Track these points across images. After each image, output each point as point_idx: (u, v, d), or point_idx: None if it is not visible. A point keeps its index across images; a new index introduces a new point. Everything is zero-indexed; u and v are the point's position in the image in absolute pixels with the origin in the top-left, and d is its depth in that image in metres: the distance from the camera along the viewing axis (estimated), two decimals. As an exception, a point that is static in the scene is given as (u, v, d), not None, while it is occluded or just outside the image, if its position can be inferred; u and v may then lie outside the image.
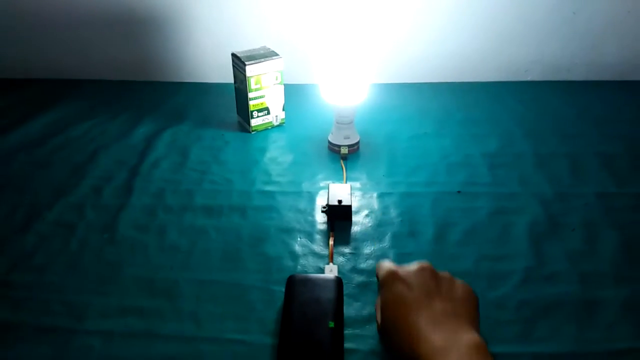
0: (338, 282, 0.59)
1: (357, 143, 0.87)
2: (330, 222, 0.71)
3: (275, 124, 0.95)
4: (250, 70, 0.86)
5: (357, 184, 0.79)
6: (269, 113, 0.93)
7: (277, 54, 0.89)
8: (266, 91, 0.90)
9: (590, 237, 0.68)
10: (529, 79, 1.10)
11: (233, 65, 0.90)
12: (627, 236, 0.68)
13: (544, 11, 1.03)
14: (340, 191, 0.73)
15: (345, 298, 0.60)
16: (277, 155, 0.87)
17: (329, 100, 0.82)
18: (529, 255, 0.65)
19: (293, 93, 0.97)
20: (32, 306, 0.60)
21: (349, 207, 0.71)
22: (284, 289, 0.59)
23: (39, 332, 0.57)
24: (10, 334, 0.57)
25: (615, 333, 0.55)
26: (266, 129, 0.94)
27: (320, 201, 0.76)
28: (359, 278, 0.63)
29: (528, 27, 1.05)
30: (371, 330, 0.57)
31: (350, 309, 0.59)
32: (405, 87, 1.08)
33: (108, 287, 0.62)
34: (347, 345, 0.55)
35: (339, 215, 0.71)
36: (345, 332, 0.56)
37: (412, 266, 0.51)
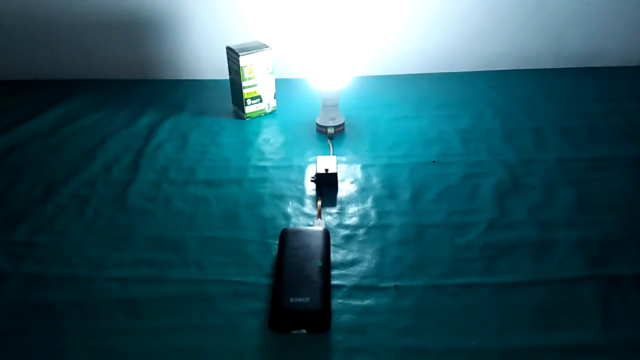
0: (325, 232, 0.68)
1: (343, 124, 0.95)
2: (318, 188, 0.79)
3: (268, 111, 1.03)
4: (244, 60, 0.96)
5: (343, 158, 0.88)
6: (261, 101, 1.02)
7: (267, 46, 0.98)
8: (258, 80, 0.99)
9: (549, 194, 0.77)
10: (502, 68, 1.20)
11: (228, 58, 1.00)
12: (581, 191, 0.77)
13: (510, 6, 1.13)
14: (327, 162, 0.81)
15: (332, 247, 0.68)
16: (269, 137, 0.96)
17: (315, 85, 0.91)
18: (494, 209, 0.74)
19: (284, 86, 1.05)
20: (55, 261, 0.68)
21: (335, 174, 0.79)
22: (277, 242, 0.67)
23: (63, 280, 0.65)
24: (38, 282, 0.64)
25: (567, 265, 0.64)
26: (259, 116, 1.03)
27: (310, 173, 0.84)
28: (344, 232, 0.71)
29: (497, 22, 1.15)
30: (354, 270, 0.65)
31: (337, 255, 0.67)
32: (388, 78, 1.17)
33: (122, 244, 0.70)
34: (334, 282, 0.63)
35: (326, 182, 0.80)
36: (333, 272, 0.64)
37: None
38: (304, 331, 0.56)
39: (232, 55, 0.97)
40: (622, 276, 0.62)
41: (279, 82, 1.01)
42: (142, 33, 1.16)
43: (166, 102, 1.10)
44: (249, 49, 0.97)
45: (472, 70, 1.19)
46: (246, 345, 0.56)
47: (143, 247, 0.70)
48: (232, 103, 1.06)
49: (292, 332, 0.57)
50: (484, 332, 0.56)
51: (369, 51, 1.16)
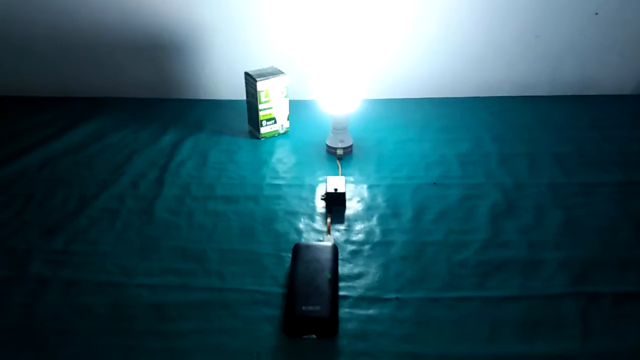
0: (334, 247, 0.75)
1: (351, 146, 1.03)
2: (328, 206, 0.87)
3: (281, 132, 1.11)
4: (261, 85, 1.04)
5: (351, 178, 0.95)
6: (275, 122, 1.09)
7: (282, 72, 1.06)
8: (273, 103, 1.07)
9: (539, 216, 0.84)
10: (501, 95, 1.27)
11: (246, 82, 1.08)
12: (569, 215, 0.83)
13: (510, 36, 1.20)
14: (336, 182, 0.89)
15: (340, 261, 0.75)
16: (282, 157, 1.03)
17: (326, 109, 0.99)
18: (488, 229, 0.81)
19: (297, 107, 1.13)
20: (90, 268, 0.75)
21: (343, 194, 0.87)
22: (291, 255, 0.75)
23: (98, 285, 0.72)
24: (75, 287, 0.72)
25: (552, 282, 0.71)
26: (273, 136, 1.11)
27: (320, 192, 0.92)
28: (351, 247, 0.79)
29: (498, 50, 1.22)
30: (360, 283, 0.72)
31: (344, 269, 0.74)
32: (393, 102, 1.25)
33: (150, 254, 0.78)
34: (342, 292, 0.70)
35: (335, 200, 0.87)
36: (340, 284, 0.71)
37: None
38: (314, 336, 0.63)
39: (250, 80, 1.05)
40: (601, 293, 0.68)
41: (293, 104, 1.09)
42: (166, 55, 1.24)
43: (186, 121, 1.18)
44: (266, 74, 1.05)
45: (473, 95, 1.27)
46: (262, 348, 0.63)
47: (169, 257, 0.77)
48: (248, 123, 1.14)
49: (303, 336, 0.64)
50: (474, 341, 0.63)
51: (376, 75, 1.24)
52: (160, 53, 1.24)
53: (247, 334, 0.65)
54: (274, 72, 1.06)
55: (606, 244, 0.77)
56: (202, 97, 1.30)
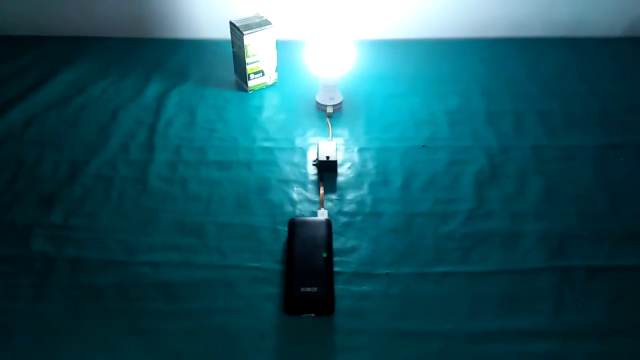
0: (328, 223, 0.78)
1: (341, 102, 1.03)
2: (320, 174, 0.89)
3: (269, 83, 1.09)
4: (248, 39, 1.00)
5: (341, 140, 0.96)
6: (263, 75, 1.07)
7: (270, 23, 1.02)
8: (261, 56, 1.04)
9: (521, 183, 0.88)
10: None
11: (231, 31, 1.03)
12: (549, 182, 0.88)
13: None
14: (328, 148, 0.90)
15: (334, 235, 0.79)
16: (272, 114, 1.03)
17: (316, 72, 0.97)
18: (473, 199, 0.85)
19: (285, 49, 1.09)
20: (92, 245, 0.78)
21: (335, 162, 0.89)
22: (287, 229, 0.78)
23: (102, 264, 0.75)
24: (80, 266, 0.75)
25: (530, 256, 0.76)
26: (261, 88, 1.09)
27: (311, 155, 0.93)
28: (343, 219, 0.82)
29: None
30: (353, 257, 0.76)
31: (337, 243, 0.78)
32: (383, 44, 1.22)
33: (150, 228, 0.80)
34: (336, 268, 0.74)
35: (327, 168, 0.89)
36: (334, 259, 0.76)
37: None
38: (313, 315, 0.69)
39: (236, 32, 1.01)
40: (574, 267, 0.75)
41: (280, 45, 1.05)
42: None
43: (169, 68, 1.15)
44: (252, 26, 1.01)
45: (465, 36, 1.25)
46: (265, 326, 0.68)
47: (169, 232, 0.80)
48: (235, 73, 1.11)
49: (302, 315, 0.69)
50: (457, 317, 0.69)
51: (367, 15, 1.20)
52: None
53: (250, 313, 0.70)
54: (262, 23, 1.02)
55: (582, 215, 0.82)
56: (183, 36, 1.24)
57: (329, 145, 0.91)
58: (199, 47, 1.22)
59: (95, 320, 0.69)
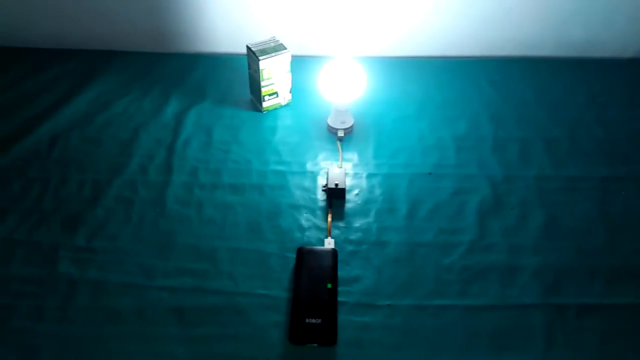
0: (334, 253, 0.83)
1: (352, 126, 1.06)
2: (328, 200, 0.93)
3: (283, 104, 1.13)
4: (264, 63, 1.03)
5: (350, 165, 1.00)
6: (277, 96, 1.11)
7: (285, 48, 1.05)
8: (276, 79, 1.08)
9: (523, 215, 0.91)
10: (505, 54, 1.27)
11: (247, 55, 1.07)
12: (549, 214, 0.91)
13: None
14: (337, 175, 0.94)
15: (339, 263, 0.83)
16: (285, 136, 1.07)
17: (328, 98, 1.01)
18: (475, 230, 0.88)
19: (298, 66, 1.11)
20: (112, 268, 0.83)
21: (344, 189, 0.92)
22: (295, 256, 0.83)
23: (122, 287, 0.81)
24: (102, 288, 0.81)
25: (526, 292, 0.80)
26: (275, 109, 1.13)
27: (321, 180, 0.97)
28: (349, 247, 0.86)
29: (505, 8, 1.19)
30: (356, 287, 0.81)
31: (342, 272, 0.82)
32: (393, 62, 1.24)
33: (166, 252, 0.86)
34: (340, 298, 0.79)
35: (336, 195, 0.93)
36: (339, 288, 0.80)
37: None
38: (316, 345, 0.74)
39: (252, 56, 1.05)
40: (567, 305, 0.78)
41: (295, 61, 1.08)
42: (162, 3, 1.20)
43: (187, 85, 1.19)
44: (268, 50, 1.04)
45: (476, 55, 1.26)
46: (272, 354, 0.73)
47: (184, 256, 0.85)
48: (250, 93, 1.15)
49: (307, 344, 0.74)
50: (451, 351, 0.74)
51: (377, 32, 1.23)
52: (157, 2, 1.20)
53: (257, 340, 0.75)
54: (277, 48, 1.05)
55: (579, 250, 0.85)
56: (202, 51, 1.28)
57: (338, 172, 0.95)
58: (217, 63, 1.26)
59: (115, 344, 0.74)
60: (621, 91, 1.16)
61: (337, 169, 0.96)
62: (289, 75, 1.09)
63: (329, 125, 1.07)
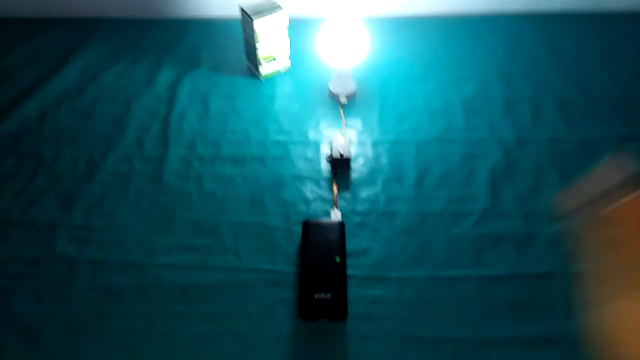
0: (341, 225, 0.79)
1: (354, 91, 1.01)
2: (333, 170, 0.89)
3: (282, 71, 1.08)
4: (258, 25, 0.98)
5: (354, 132, 0.96)
6: (275, 61, 1.05)
7: (280, 7, 0.99)
8: (273, 42, 1.02)
9: (537, 181, 0.87)
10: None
11: (241, 17, 1.01)
12: (565, 179, 0.87)
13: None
14: (341, 145, 0.90)
15: (347, 236, 0.80)
16: (285, 104, 1.02)
17: (328, 63, 0.95)
18: (487, 197, 0.85)
19: (298, 29, 1.06)
20: (112, 245, 0.80)
21: (349, 159, 0.88)
22: (300, 229, 0.79)
23: (123, 266, 0.78)
24: (101, 268, 0.78)
25: (542, 260, 0.77)
26: (274, 75, 1.07)
27: (324, 149, 0.93)
28: (356, 218, 0.83)
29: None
30: (365, 260, 0.78)
31: (350, 244, 0.79)
32: (399, 23, 1.18)
33: (167, 228, 0.82)
34: (349, 271, 0.76)
35: (340, 165, 0.89)
36: (347, 261, 0.77)
37: None
38: (327, 319, 0.71)
39: (246, 18, 0.99)
40: (584, 273, 0.75)
41: (292, 23, 1.02)
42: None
43: (180, 52, 1.13)
44: (263, 11, 0.98)
45: (484, 11, 1.20)
46: (281, 331, 0.71)
47: (185, 232, 0.82)
48: (246, 59, 1.09)
49: (317, 320, 0.71)
50: (467, 323, 0.71)
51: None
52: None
53: (265, 317, 0.72)
54: (272, 7, 0.99)
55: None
56: (193, 16, 1.22)
57: (342, 140, 0.91)
58: (210, 28, 1.20)
59: (117, 323, 0.72)
60: (636, 46, 1.10)
61: (341, 137, 0.92)
62: (287, 38, 1.03)
63: (330, 91, 1.02)
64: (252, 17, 0.97)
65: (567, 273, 0.74)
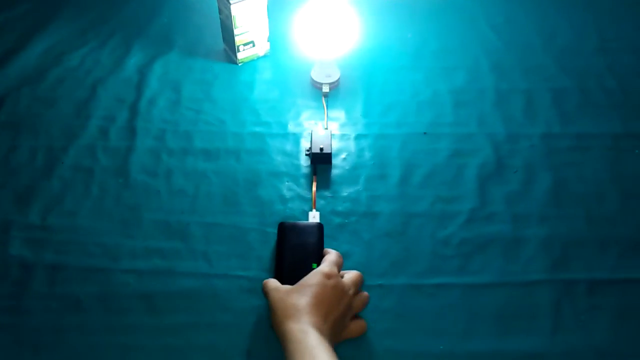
0: (319, 227, 0.74)
1: (338, 79, 0.95)
2: (313, 166, 0.83)
3: (261, 54, 1.01)
4: (235, 9, 0.90)
5: (336, 125, 0.90)
6: (254, 45, 0.98)
7: (259, -12, 0.92)
8: (251, 26, 0.95)
9: (528, 179, 0.82)
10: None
11: (218, -1, 0.94)
12: (558, 178, 0.82)
13: None
14: (322, 138, 0.84)
15: (325, 238, 0.74)
16: (263, 92, 0.95)
17: (311, 51, 0.89)
18: (475, 197, 0.80)
19: (278, 7, 1.00)
20: (72, 249, 0.74)
21: (329, 154, 0.83)
22: (276, 231, 0.74)
23: (84, 271, 0.72)
24: (60, 274, 0.72)
25: (531, 267, 0.73)
26: (252, 60, 1.00)
27: (304, 143, 0.87)
28: (337, 219, 0.78)
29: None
30: (345, 265, 0.72)
31: (329, 247, 0.74)
32: (383, 2, 1.11)
33: (132, 230, 0.76)
34: (326, 279, 0.71)
35: (321, 160, 0.83)
36: (325, 267, 0.72)
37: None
38: (301, 332, 0.66)
39: (223, 0, 0.91)
40: (576, 281, 0.71)
41: (272, 2, 0.95)
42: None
43: (152, 33, 1.05)
44: (240, -8, 0.90)
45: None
46: (253, 343, 0.66)
47: (152, 234, 0.76)
48: (223, 41, 1.02)
49: (290, 332, 0.67)
50: (451, 336, 0.67)
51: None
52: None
53: (236, 328, 0.67)
54: (250, -11, 0.91)
55: (590, 218, 0.78)
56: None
57: (323, 134, 0.85)
58: (184, 5, 1.12)
59: (77, 335, 0.66)
60: (637, 35, 1.05)
61: (322, 130, 0.86)
62: (266, 21, 0.96)
63: (312, 79, 0.95)
64: (230, 1, 0.89)
65: (556, 281, 0.71)
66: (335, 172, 0.83)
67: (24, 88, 0.95)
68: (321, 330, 0.57)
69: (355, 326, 0.64)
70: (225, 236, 0.76)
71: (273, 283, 0.65)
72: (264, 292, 0.65)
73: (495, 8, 1.10)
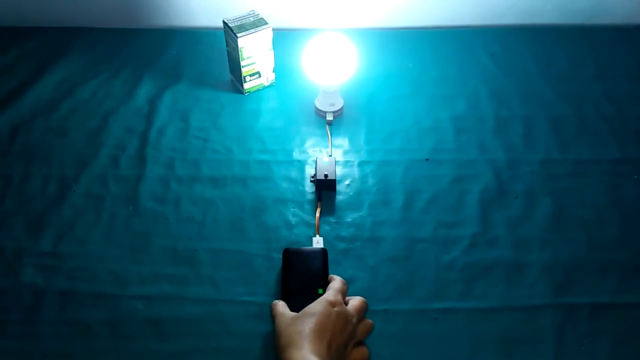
0: (324, 253, 0.75)
1: (341, 108, 0.97)
2: (317, 192, 0.85)
3: (266, 84, 1.04)
4: (242, 41, 0.94)
5: (340, 152, 0.92)
6: (260, 76, 1.01)
7: (266, 23, 0.95)
8: (257, 58, 0.98)
9: (528, 204, 0.83)
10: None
11: (224, 31, 0.97)
12: (558, 203, 0.83)
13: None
14: (326, 165, 0.86)
15: (330, 263, 0.76)
16: (269, 120, 0.98)
17: (314, 80, 0.92)
18: (477, 222, 0.81)
19: (282, 40, 1.02)
20: (82, 275, 0.76)
21: (334, 180, 0.85)
22: (282, 257, 0.75)
23: (93, 297, 0.73)
24: (71, 299, 0.73)
25: (534, 291, 0.73)
26: (258, 90, 1.03)
27: (309, 170, 0.89)
28: (341, 245, 0.79)
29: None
30: (350, 290, 0.74)
31: (334, 273, 0.75)
32: (388, 34, 1.15)
33: (141, 256, 0.78)
34: (331, 304, 0.72)
35: (325, 186, 0.85)
36: (330, 292, 0.73)
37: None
38: (307, 357, 0.67)
39: (229, 33, 0.95)
40: (578, 305, 0.72)
41: (278, 35, 0.98)
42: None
43: (162, 64, 1.09)
44: (247, 26, 0.94)
45: (475, 24, 1.17)
46: (259, 368, 0.67)
47: (161, 260, 0.77)
48: (230, 72, 1.05)
49: (296, 357, 0.68)
50: (455, 360, 0.68)
51: (366, 0, 1.13)
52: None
53: (243, 354, 0.68)
54: (257, 23, 0.95)
55: (591, 243, 0.79)
56: (176, 25, 1.18)
57: (327, 160, 0.87)
58: (193, 38, 1.15)
59: (86, 361, 0.68)
60: (631, 62, 1.08)
61: (327, 157, 0.88)
62: (272, 53, 0.99)
63: (316, 108, 0.98)
64: (237, 34, 0.93)
65: (559, 305, 0.71)
66: (339, 198, 0.85)
67: (38, 119, 0.98)
68: (323, 358, 0.58)
69: (357, 354, 0.64)
70: (232, 262, 0.77)
71: (281, 307, 0.67)
72: (272, 315, 0.67)
73: (492, 38, 1.14)
